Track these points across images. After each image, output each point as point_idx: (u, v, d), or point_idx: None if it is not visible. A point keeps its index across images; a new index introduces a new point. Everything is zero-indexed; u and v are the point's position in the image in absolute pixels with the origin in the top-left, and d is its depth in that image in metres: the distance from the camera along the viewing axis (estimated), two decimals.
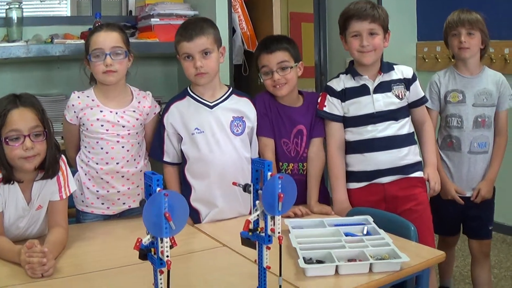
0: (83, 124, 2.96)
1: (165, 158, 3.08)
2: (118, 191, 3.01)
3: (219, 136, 3.00)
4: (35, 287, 2.15)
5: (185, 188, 3.08)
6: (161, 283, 1.58)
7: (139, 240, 1.59)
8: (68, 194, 2.67)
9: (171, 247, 1.56)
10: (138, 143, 3.05)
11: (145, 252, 1.60)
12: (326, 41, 6.22)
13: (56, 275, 2.25)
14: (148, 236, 1.57)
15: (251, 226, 1.81)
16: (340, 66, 3.28)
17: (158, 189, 1.51)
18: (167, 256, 1.54)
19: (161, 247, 1.54)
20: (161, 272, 1.57)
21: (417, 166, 3.18)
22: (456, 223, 3.59)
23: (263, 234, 1.80)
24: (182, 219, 1.55)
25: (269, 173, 1.73)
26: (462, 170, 3.43)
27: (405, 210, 3.05)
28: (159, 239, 1.54)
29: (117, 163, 2.97)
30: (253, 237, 1.83)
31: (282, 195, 1.70)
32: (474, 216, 3.49)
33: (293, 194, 1.77)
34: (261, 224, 1.80)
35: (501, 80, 3.41)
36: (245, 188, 1.82)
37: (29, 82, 4.09)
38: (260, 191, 1.74)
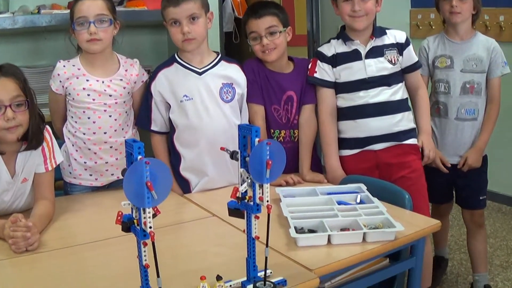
0: (69, 93, 2.90)
1: (153, 127, 3.03)
2: (106, 162, 2.97)
3: (208, 103, 2.94)
4: (19, 262, 2.12)
5: (174, 158, 3.05)
6: (145, 255, 1.52)
7: (120, 213, 1.52)
8: (54, 166, 2.61)
9: (154, 215, 1.49)
10: (126, 112, 3.00)
11: (128, 225, 1.54)
12: (319, 8, 6.15)
13: (41, 249, 2.22)
14: (128, 202, 1.50)
15: (239, 194, 1.74)
16: (333, 33, 3.20)
17: (139, 157, 1.44)
18: (150, 227, 1.47)
19: (144, 218, 1.47)
20: (145, 244, 1.50)
21: (411, 133, 3.13)
22: (446, 191, 3.54)
23: (251, 203, 1.74)
24: (165, 188, 1.48)
25: (257, 139, 1.66)
26: (449, 137, 3.36)
27: (399, 178, 3.01)
28: (141, 209, 1.47)
29: (105, 133, 2.91)
30: (241, 206, 1.77)
31: (270, 162, 1.64)
32: (463, 185, 3.45)
33: (282, 161, 1.70)
34: (250, 192, 1.74)
35: (492, 46, 3.30)
36: (233, 155, 1.75)
37: (16, 54, 4.02)
38: (247, 158, 1.68)
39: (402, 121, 3.08)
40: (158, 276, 1.50)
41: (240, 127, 1.75)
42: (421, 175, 3.10)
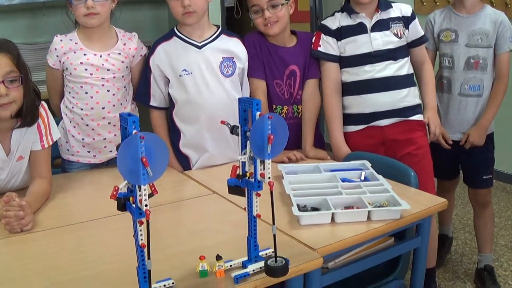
0: (66, 68, 2.85)
1: (152, 103, 2.97)
2: (104, 139, 2.93)
3: (208, 77, 2.89)
4: (15, 241, 2.08)
5: (174, 133, 3.01)
6: (141, 235, 1.46)
7: (116, 188, 1.46)
8: (51, 143, 2.56)
9: (151, 195, 1.42)
10: (125, 87, 2.95)
11: (123, 202, 1.48)
12: None
13: (38, 228, 2.18)
14: (125, 183, 1.44)
15: (239, 172, 1.67)
16: (337, 9, 3.13)
17: (134, 131, 1.37)
18: (146, 206, 1.40)
19: (140, 195, 1.41)
20: (141, 223, 1.44)
21: (416, 108, 3.07)
22: (450, 167, 3.48)
23: (252, 180, 1.67)
24: (161, 164, 1.40)
25: (258, 113, 1.59)
26: (452, 113, 3.29)
27: (405, 155, 2.97)
28: (136, 186, 1.41)
29: (103, 108, 2.86)
30: (242, 184, 1.71)
31: (272, 137, 1.57)
32: (466, 163, 3.39)
33: (284, 135, 1.63)
34: (250, 169, 1.67)
35: (500, 20, 3.20)
36: (233, 129, 1.68)
37: (14, 30, 4.03)
38: (248, 133, 1.61)
39: (408, 96, 3.01)
40: (148, 257, 1.43)
41: (241, 100, 1.68)
42: (427, 152, 3.05)
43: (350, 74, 3.02)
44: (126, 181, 1.44)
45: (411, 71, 3.09)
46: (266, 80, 3.08)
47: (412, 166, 2.63)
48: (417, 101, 3.08)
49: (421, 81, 3.16)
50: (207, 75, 2.88)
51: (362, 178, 2.54)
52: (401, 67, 3.01)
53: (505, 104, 3.28)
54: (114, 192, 1.46)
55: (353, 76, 3.01)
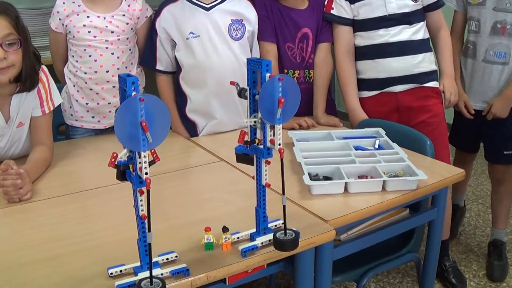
0: (69, 31, 2.78)
1: (158, 66, 2.90)
2: (109, 103, 2.88)
3: (216, 40, 2.81)
4: (13, 212, 2.02)
5: (180, 99, 2.95)
6: (141, 205, 1.37)
7: (115, 155, 1.36)
8: (52, 108, 2.49)
9: (152, 162, 1.33)
10: (130, 50, 2.87)
11: (123, 170, 1.39)
12: None
13: (37, 198, 2.12)
14: (125, 151, 1.34)
15: (247, 138, 1.58)
16: None
17: (133, 93, 1.27)
18: (146, 174, 1.31)
19: (139, 162, 1.31)
20: (141, 192, 1.35)
21: (432, 75, 2.98)
22: (472, 138, 3.35)
23: (262, 147, 1.58)
24: (162, 129, 1.31)
25: (268, 74, 1.49)
26: (475, 80, 3.16)
27: (419, 123, 2.90)
28: (136, 153, 1.31)
29: (107, 72, 2.80)
30: (250, 151, 1.61)
31: (282, 100, 1.46)
32: (487, 135, 3.25)
33: (296, 99, 1.53)
34: (259, 135, 1.57)
35: None
36: (241, 92, 1.58)
37: None
38: (257, 96, 1.51)
39: (423, 62, 2.93)
40: (149, 230, 1.34)
41: (249, 61, 1.58)
42: (442, 120, 2.97)
43: (364, 38, 2.94)
44: (126, 149, 1.35)
45: (427, 36, 2.99)
46: (277, 44, 3.01)
47: (426, 134, 2.57)
48: (433, 67, 2.99)
49: (437, 46, 3.06)
50: (215, 38, 2.80)
51: (376, 146, 2.47)
52: (417, 31, 2.91)
53: None
54: (113, 159, 1.37)
55: (367, 40, 2.93)
